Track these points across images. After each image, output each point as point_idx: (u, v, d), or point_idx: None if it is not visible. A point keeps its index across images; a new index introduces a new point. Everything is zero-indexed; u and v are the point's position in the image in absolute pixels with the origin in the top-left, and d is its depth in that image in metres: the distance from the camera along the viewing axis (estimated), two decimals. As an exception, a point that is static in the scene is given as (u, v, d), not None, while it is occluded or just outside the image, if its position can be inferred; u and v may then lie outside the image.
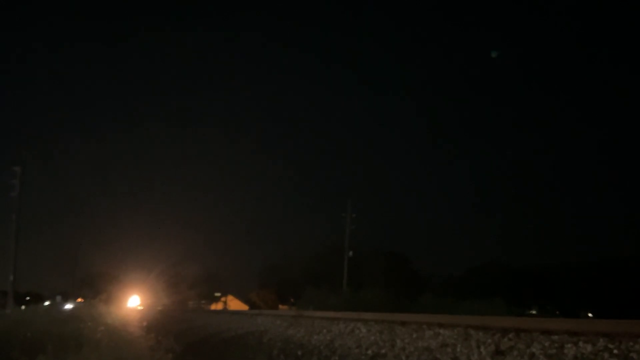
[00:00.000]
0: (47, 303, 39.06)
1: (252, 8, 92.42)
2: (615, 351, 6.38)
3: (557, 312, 33.15)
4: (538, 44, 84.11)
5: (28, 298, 49.19)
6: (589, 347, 6.65)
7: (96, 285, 44.73)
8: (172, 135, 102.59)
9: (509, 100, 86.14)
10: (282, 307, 46.62)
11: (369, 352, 10.06)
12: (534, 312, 30.69)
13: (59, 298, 47.30)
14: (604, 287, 34.52)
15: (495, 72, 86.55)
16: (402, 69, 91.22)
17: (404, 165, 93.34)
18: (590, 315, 33.18)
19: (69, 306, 23.36)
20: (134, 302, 44.25)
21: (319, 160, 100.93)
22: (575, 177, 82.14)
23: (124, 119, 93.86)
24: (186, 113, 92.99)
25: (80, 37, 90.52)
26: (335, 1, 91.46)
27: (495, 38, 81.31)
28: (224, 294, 61.79)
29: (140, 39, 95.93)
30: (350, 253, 39.07)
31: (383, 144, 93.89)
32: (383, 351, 9.76)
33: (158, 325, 22.18)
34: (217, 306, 57.98)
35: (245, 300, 60.20)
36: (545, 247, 73.10)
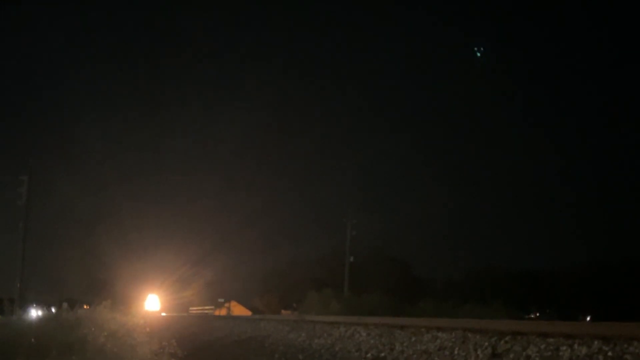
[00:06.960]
0: (52, 309, 38.99)
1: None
2: (609, 353, 6.48)
3: (556, 316, 33.03)
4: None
5: (34, 304, 49.35)
6: (584, 350, 6.75)
7: (102, 290, 44.80)
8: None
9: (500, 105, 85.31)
10: (285, 312, 46.57)
11: (369, 355, 10.19)
12: (532, 316, 30.55)
13: (65, 305, 47.07)
14: (605, 290, 34.49)
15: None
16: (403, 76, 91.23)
17: (404, 170, 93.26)
18: (589, 319, 33.10)
19: (35, 314, 22.88)
20: (152, 304, 42.40)
21: (320, 166, 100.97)
22: (575, 180, 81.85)
23: (140, 126, 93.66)
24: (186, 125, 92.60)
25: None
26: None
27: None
28: (228, 300, 61.88)
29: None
30: (352, 258, 39.12)
31: (384, 150, 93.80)
32: (382, 354, 9.88)
33: (162, 330, 22.29)
34: (221, 312, 57.99)
35: (249, 306, 60.28)
36: (546, 251, 72.87)
